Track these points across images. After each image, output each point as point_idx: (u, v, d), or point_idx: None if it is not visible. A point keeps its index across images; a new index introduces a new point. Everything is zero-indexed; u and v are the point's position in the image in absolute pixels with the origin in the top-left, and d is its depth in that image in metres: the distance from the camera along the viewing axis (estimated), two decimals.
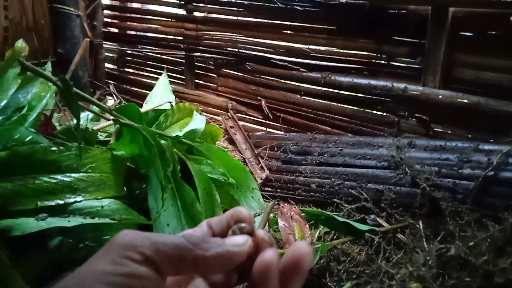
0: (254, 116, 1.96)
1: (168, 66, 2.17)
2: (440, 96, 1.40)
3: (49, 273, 1.04)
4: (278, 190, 1.51)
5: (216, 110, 2.08)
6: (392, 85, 1.49)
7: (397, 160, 1.29)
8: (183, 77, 2.19)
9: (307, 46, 1.72)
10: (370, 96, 1.57)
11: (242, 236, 0.34)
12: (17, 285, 0.87)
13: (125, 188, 1.13)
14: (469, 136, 1.38)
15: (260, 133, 1.88)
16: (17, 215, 0.94)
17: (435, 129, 1.46)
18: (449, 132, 1.43)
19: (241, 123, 1.93)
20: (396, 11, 1.48)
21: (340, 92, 1.64)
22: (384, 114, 1.57)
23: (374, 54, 1.57)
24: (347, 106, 1.66)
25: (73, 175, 0.99)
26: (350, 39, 1.61)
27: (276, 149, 1.68)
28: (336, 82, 1.64)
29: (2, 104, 1.29)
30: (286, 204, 1.38)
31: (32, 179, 0.94)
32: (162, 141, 1.05)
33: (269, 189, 1.52)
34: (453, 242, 1.05)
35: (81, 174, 1.01)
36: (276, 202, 1.43)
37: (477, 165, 1.17)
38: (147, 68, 2.40)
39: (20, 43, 1.44)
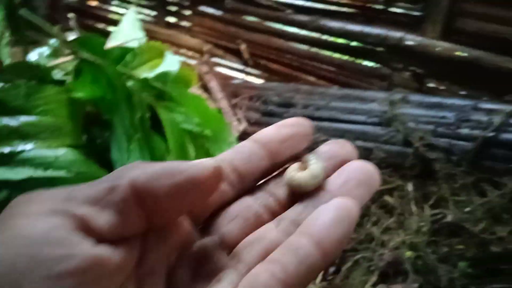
0: (232, 61, 1.79)
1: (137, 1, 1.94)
2: (439, 48, 1.28)
3: None
4: None
5: (189, 53, 1.89)
6: (387, 33, 1.36)
7: (389, 117, 1.19)
8: (154, 13, 1.97)
9: None
10: (362, 45, 1.43)
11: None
12: None
13: (85, 136, 0.98)
14: (466, 93, 1.29)
15: (238, 81, 1.73)
16: None
17: (429, 85, 1.35)
18: (443, 88, 1.33)
19: (217, 69, 1.76)
20: None
21: (328, 39, 1.50)
22: (376, 65, 1.44)
23: None
24: (335, 55, 1.52)
25: (21, 118, 0.83)
26: None
27: (255, 99, 1.54)
28: (325, 27, 1.48)
29: None
30: None
31: None
32: (129, 83, 0.89)
33: None
34: (446, 207, 0.98)
35: (32, 117, 0.84)
36: None
37: (476, 125, 1.08)
38: (115, 2, 2.14)
39: None
